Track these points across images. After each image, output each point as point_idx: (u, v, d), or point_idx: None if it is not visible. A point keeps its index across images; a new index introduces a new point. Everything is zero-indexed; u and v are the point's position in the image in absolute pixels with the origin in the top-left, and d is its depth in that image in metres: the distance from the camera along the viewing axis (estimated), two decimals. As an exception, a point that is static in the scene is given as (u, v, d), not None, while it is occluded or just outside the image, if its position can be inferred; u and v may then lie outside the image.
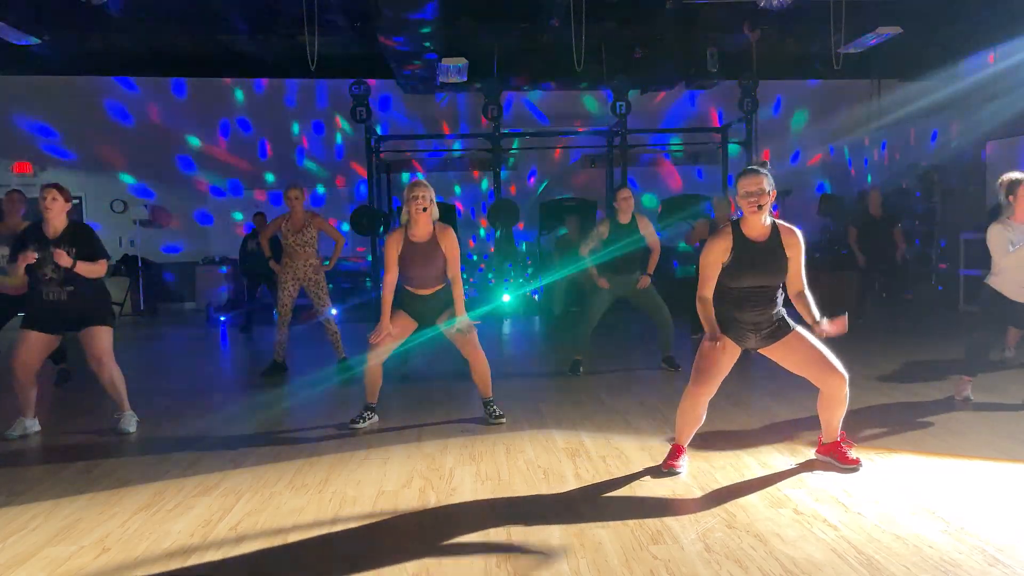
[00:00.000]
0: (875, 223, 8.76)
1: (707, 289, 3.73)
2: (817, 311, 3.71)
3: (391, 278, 4.83)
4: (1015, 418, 4.76)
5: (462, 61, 9.97)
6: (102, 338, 4.93)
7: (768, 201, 3.58)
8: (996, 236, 5.09)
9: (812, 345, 3.73)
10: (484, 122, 11.68)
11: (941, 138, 11.82)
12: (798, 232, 3.70)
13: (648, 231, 6.35)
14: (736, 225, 3.69)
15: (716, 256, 3.67)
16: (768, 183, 3.59)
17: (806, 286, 3.76)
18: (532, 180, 13.99)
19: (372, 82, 11.40)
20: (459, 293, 4.89)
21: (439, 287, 4.91)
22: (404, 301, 4.94)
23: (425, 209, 4.70)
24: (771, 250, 3.64)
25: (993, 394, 5.36)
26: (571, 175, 11.60)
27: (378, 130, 12.67)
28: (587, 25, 8.90)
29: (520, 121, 13.26)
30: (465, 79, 10.50)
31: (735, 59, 11.06)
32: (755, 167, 3.67)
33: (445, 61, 10.01)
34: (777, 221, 3.71)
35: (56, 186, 4.87)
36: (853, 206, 12.41)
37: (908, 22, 9.70)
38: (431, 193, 4.76)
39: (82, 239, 4.86)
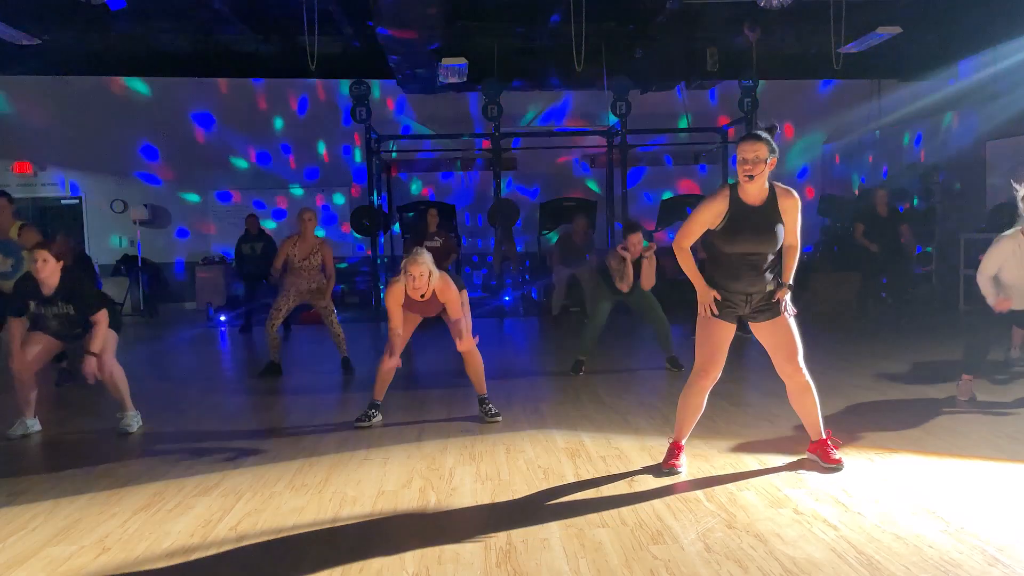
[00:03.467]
0: (882, 221, 8.81)
1: (687, 240, 3.72)
2: (790, 277, 3.72)
3: (395, 326, 4.87)
4: (1015, 418, 4.75)
5: (462, 61, 9.98)
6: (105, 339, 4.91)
7: (764, 170, 3.52)
8: (996, 252, 4.94)
9: (792, 335, 3.73)
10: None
11: (941, 138, 11.81)
12: (795, 193, 3.67)
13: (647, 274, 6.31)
14: (734, 189, 3.65)
15: (707, 217, 3.64)
16: (768, 150, 3.51)
17: (799, 243, 3.74)
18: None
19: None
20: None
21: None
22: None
23: (424, 297, 4.80)
24: (765, 213, 3.61)
25: (994, 394, 5.36)
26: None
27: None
28: (587, 25, 8.90)
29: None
30: (465, 79, 10.50)
31: (735, 59, 11.07)
32: (757, 132, 3.60)
33: (445, 61, 10.02)
34: (776, 184, 3.67)
35: (46, 247, 4.74)
36: (854, 206, 12.40)
37: (908, 22, 9.71)
38: (426, 269, 4.70)
39: (77, 296, 4.85)
